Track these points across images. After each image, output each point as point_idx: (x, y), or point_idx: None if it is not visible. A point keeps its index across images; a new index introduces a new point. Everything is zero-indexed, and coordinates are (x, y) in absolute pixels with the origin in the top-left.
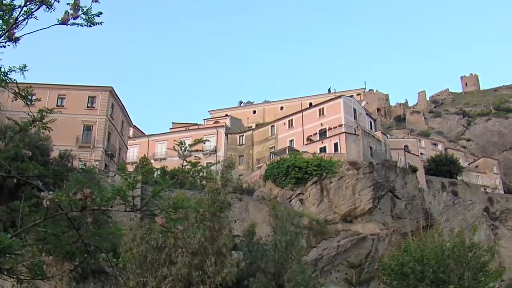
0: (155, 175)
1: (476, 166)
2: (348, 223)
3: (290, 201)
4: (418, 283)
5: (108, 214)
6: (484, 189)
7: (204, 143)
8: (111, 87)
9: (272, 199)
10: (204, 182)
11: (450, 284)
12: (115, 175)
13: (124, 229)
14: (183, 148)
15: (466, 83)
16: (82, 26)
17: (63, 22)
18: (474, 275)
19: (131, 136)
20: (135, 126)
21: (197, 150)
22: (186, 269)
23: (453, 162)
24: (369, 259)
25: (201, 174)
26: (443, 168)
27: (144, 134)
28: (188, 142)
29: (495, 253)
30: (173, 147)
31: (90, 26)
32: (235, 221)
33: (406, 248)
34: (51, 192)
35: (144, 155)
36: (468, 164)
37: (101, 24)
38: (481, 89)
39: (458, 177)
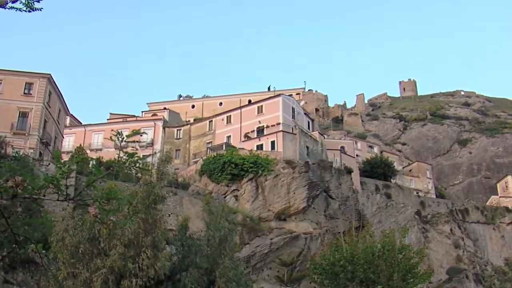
0: (90, 165)
1: (410, 170)
2: (282, 221)
3: (225, 197)
4: (349, 282)
5: (40, 203)
6: (417, 193)
7: (141, 135)
8: (49, 74)
9: (207, 194)
10: (139, 174)
11: (379, 285)
12: (49, 164)
13: (56, 219)
14: (120, 138)
15: (404, 88)
16: (21, 10)
17: (1, 5)
18: (403, 276)
19: (67, 125)
20: (72, 115)
21: (134, 141)
22: (119, 261)
23: (388, 165)
24: (301, 258)
25: (137, 165)
26: (377, 170)
27: (81, 123)
28: (125, 133)
29: (425, 256)
30: (110, 137)
31: (29, 11)
32: (169, 215)
33: (337, 247)
34: None
35: (80, 144)
36: (402, 168)
37: (40, 10)
38: (419, 94)
39: (392, 180)
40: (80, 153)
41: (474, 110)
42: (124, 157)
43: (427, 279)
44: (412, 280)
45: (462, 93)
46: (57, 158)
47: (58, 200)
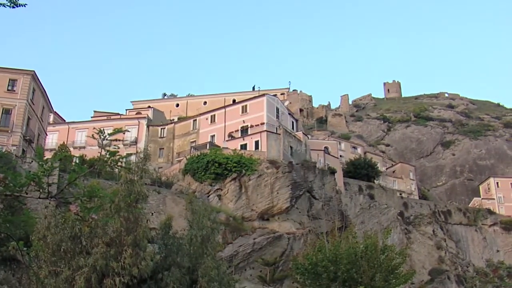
0: (73, 163)
1: (394, 171)
2: (265, 221)
3: (208, 196)
4: (331, 282)
5: (21, 200)
6: (400, 194)
7: (124, 133)
8: (33, 71)
9: (190, 193)
10: (122, 172)
11: (362, 285)
12: (32, 161)
13: (38, 217)
14: (102, 137)
15: (388, 90)
16: (4, 6)
17: None
18: (385, 276)
19: (51, 122)
20: (55, 112)
21: (117, 140)
22: (102, 260)
23: (371, 166)
24: (284, 258)
25: (119, 163)
26: (361, 171)
27: (64, 121)
28: (108, 131)
29: (407, 257)
30: (92, 135)
31: (13, 7)
32: (152, 213)
33: (320, 248)
34: None
35: (64, 142)
36: (386, 169)
37: (24, 6)
38: (403, 96)
39: (375, 181)
40: (63, 150)
41: (457, 112)
42: (106, 155)
43: (409, 279)
44: (394, 280)
45: (446, 95)
46: (39, 155)
47: (40, 197)
